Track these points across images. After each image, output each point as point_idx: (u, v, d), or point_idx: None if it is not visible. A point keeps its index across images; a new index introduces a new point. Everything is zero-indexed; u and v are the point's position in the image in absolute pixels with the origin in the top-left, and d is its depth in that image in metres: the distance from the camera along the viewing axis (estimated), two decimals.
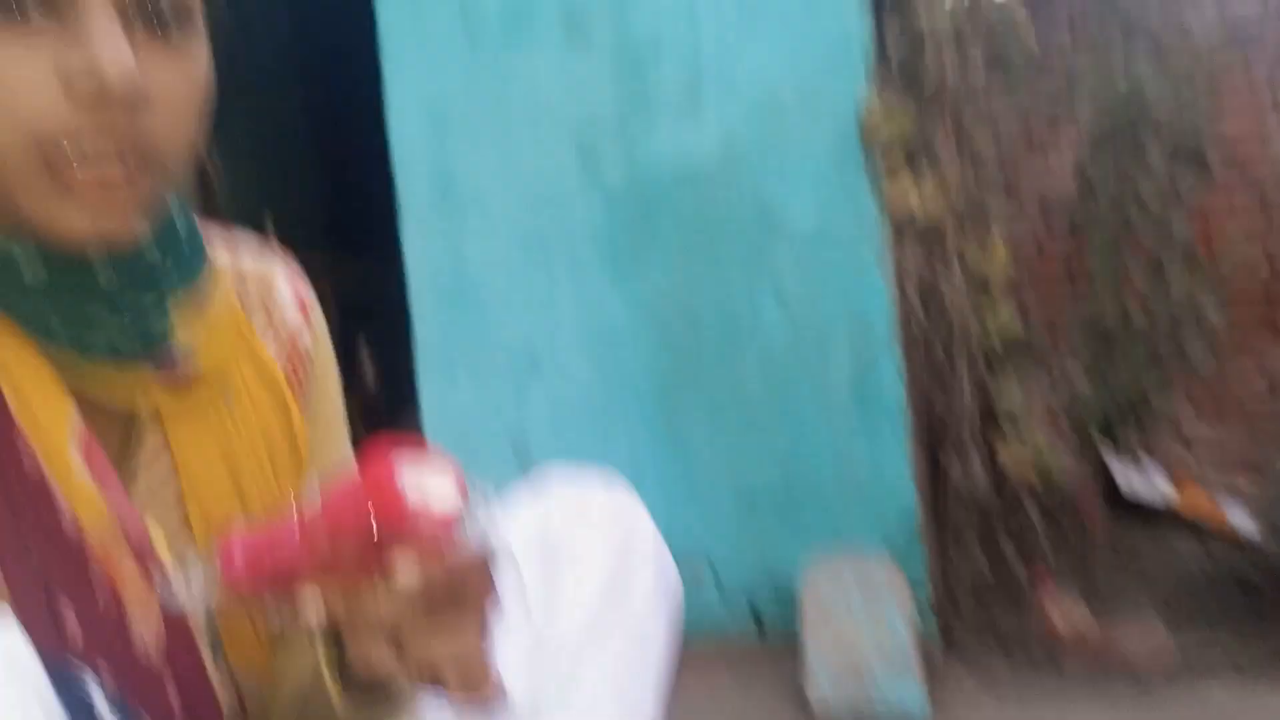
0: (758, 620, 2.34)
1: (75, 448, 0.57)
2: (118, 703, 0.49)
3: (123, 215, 0.54)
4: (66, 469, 0.56)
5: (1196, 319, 2.25)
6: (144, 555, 0.58)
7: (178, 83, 0.55)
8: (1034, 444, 2.32)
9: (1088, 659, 2.31)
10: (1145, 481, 3.06)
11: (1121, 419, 2.39)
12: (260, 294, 0.70)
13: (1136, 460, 2.74)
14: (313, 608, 0.48)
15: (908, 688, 2.02)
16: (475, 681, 0.49)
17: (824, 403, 2.26)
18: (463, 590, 0.48)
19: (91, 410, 0.59)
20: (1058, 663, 2.32)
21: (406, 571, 0.46)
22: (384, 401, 3.76)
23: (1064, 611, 2.40)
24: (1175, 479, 3.29)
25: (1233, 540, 2.99)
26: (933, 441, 2.47)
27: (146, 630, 0.57)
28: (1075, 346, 2.50)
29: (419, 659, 0.49)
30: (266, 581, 0.49)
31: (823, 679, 2.03)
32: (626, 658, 0.72)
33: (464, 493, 0.47)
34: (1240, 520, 3.01)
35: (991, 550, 2.58)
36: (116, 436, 0.61)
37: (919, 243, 2.22)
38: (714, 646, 2.28)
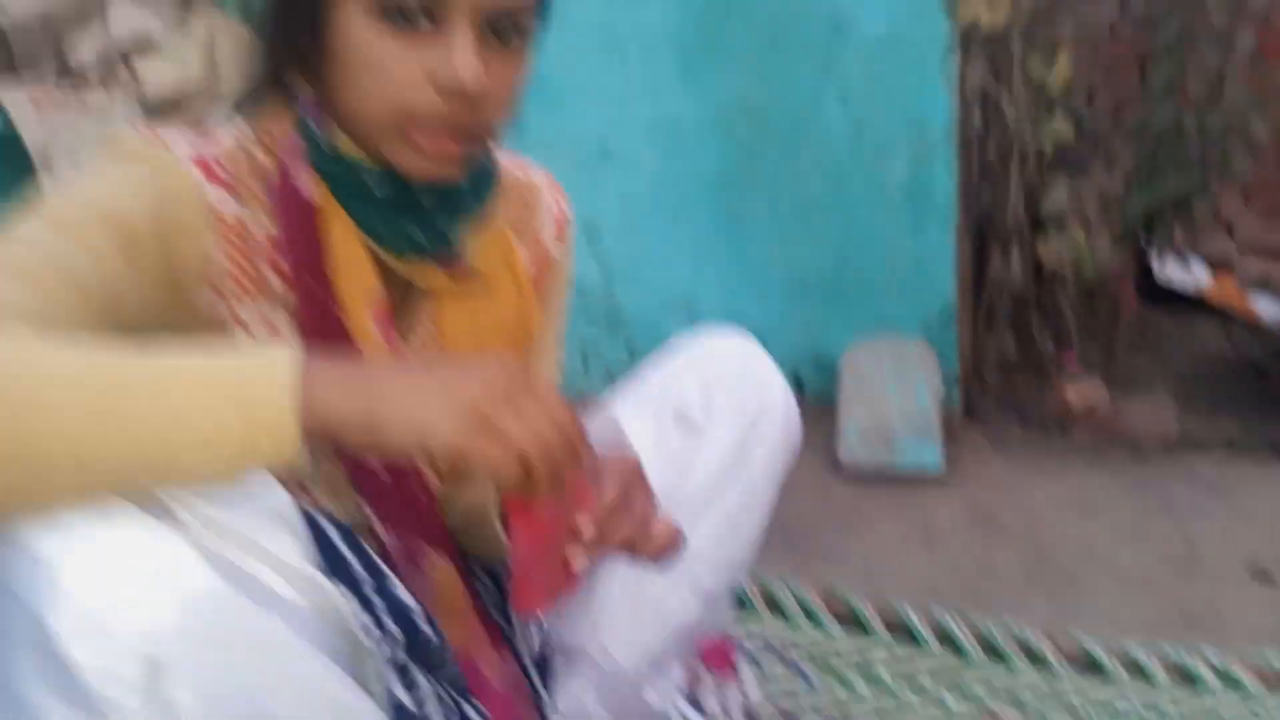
0: (801, 391, 2.71)
1: (367, 310, 0.82)
2: (344, 530, 0.73)
3: (448, 167, 0.78)
4: (365, 327, 0.82)
5: (1243, 130, 2.38)
6: None
7: (508, 81, 0.77)
8: (1073, 239, 2.55)
9: (1095, 430, 2.66)
10: (1181, 270, 3.29)
11: (1162, 217, 2.59)
12: (526, 199, 0.93)
13: (1177, 251, 2.95)
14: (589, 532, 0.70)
15: (927, 449, 2.39)
16: (666, 548, 0.74)
17: (878, 200, 2.48)
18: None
19: (389, 281, 0.83)
20: (1068, 432, 2.69)
21: (643, 500, 0.72)
22: None
23: (1080, 388, 2.73)
24: (1212, 268, 3.51)
25: (1255, 328, 3.25)
26: (981, 241, 2.71)
27: None
28: (1125, 152, 2.65)
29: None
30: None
31: (853, 440, 2.41)
32: (740, 505, 0.96)
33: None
34: (1266, 309, 3.26)
35: (1023, 335, 2.89)
36: (402, 303, 0.87)
37: (982, 52, 2.34)
38: None
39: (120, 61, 2.68)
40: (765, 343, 2.65)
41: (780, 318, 2.66)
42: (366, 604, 0.71)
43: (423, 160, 0.76)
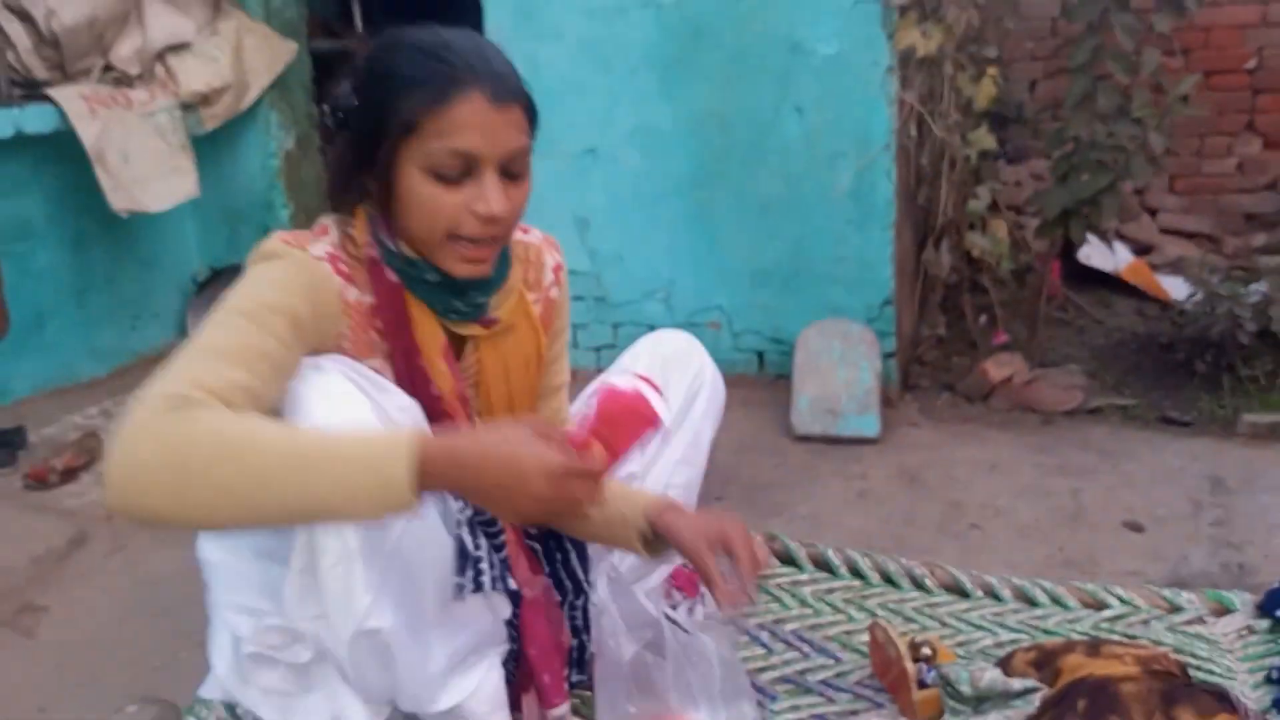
0: (761, 365, 3.19)
1: (440, 355, 1.24)
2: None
3: (483, 268, 1.19)
4: (437, 364, 1.23)
5: (1143, 142, 2.83)
6: (467, 409, 1.27)
7: (520, 200, 1.17)
8: (994, 235, 3.01)
9: (1011, 400, 3.13)
10: (1103, 253, 3.76)
11: (1078, 211, 3.02)
12: (532, 259, 1.34)
13: (1102, 235, 3.39)
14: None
15: (866, 419, 2.87)
16: None
17: (828, 202, 2.93)
18: None
19: (448, 336, 1.25)
20: (987, 402, 3.16)
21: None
22: None
23: (999, 362, 3.20)
24: (1135, 251, 3.99)
25: (1166, 307, 3.72)
26: (922, 235, 3.15)
27: None
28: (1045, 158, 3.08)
29: None
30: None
31: (804, 410, 2.88)
32: (687, 445, 1.48)
33: None
34: (1176, 289, 3.74)
35: (955, 318, 3.36)
36: (456, 349, 1.28)
37: (918, 72, 2.78)
38: (726, 383, 3.12)
39: (157, 61, 3.04)
40: (733, 323, 3.18)
41: (745, 302, 3.12)
42: None
43: (465, 265, 1.15)
